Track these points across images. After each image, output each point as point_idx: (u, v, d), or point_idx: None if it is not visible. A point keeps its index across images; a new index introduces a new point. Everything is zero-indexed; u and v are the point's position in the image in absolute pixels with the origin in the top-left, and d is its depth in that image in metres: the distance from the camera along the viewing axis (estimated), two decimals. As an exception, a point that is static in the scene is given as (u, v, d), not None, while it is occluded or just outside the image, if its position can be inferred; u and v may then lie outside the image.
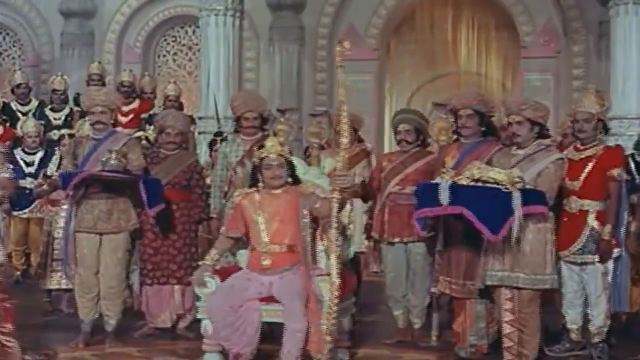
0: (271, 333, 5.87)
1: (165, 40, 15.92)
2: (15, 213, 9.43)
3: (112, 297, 6.60)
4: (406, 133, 6.78)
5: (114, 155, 6.23)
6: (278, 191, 5.73)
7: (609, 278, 6.20)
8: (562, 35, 13.86)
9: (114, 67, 14.92)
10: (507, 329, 5.66)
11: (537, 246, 5.56)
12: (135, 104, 10.94)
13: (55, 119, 10.80)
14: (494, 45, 15.29)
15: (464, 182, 5.40)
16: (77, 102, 11.04)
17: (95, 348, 6.47)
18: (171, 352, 6.37)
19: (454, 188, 5.38)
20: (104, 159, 6.27)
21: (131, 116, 10.62)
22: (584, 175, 6.11)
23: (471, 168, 5.45)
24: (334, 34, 14.51)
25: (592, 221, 6.09)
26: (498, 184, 5.31)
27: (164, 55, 15.93)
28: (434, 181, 5.62)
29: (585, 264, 6.16)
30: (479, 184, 5.38)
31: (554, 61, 13.92)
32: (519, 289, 5.61)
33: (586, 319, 6.34)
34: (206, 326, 5.61)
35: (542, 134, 5.79)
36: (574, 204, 6.14)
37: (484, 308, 6.08)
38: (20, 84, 11.17)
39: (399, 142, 6.86)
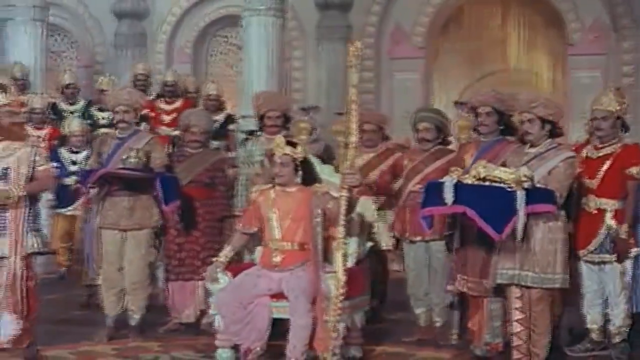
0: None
1: (215, 40, 16.07)
2: (60, 210, 9.70)
3: (135, 292, 6.74)
4: (426, 131, 6.79)
5: (133, 154, 6.38)
6: (293, 189, 5.81)
7: (628, 278, 6.14)
8: (611, 32, 13.64)
9: (165, 68, 15.07)
10: (516, 327, 5.63)
11: (547, 245, 5.50)
12: (179, 103, 11.12)
13: (102, 118, 10.98)
14: (543, 43, 15.09)
15: (469, 181, 5.40)
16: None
17: (118, 342, 6.61)
18: (190, 347, 6.44)
19: (459, 187, 5.38)
20: (124, 157, 6.43)
21: (174, 115, 10.76)
22: (601, 173, 6.07)
23: (477, 167, 5.44)
24: (381, 32, 14.53)
25: (609, 220, 6.05)
26: (503, 183, 5.29)
27: (215, 55, 16.09)
28: (440, 180, 5.62)
29: (603, 263, 6.12)
30: (486, 182, 5.37)
31: (603, 58, 13.73)
32: (528, 287, 5.58)
33: (607, 319, 6.29)
34: (218, 321, 5.72)
35: (555, 132, 5.74)
36: (592, 202, 6.10)
37: (499, 307, 6.02)
38: (68, 84, 11.44)
39: (419, 141, 6.87)
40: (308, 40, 14.79)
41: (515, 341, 5.65)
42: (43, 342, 6.36)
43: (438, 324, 6.85)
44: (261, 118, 7.25)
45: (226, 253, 5.89)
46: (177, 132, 10.12)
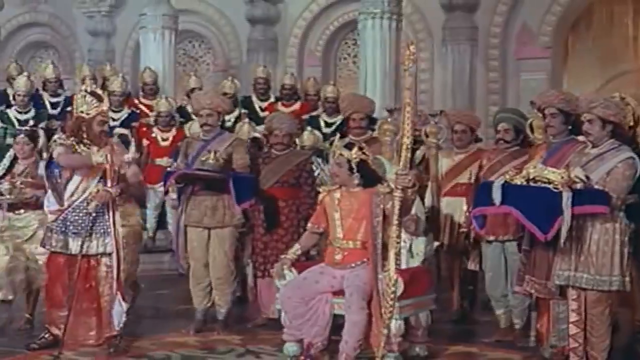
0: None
1: (345, 43, 16.26)
2: (181, 209, 10.13)
3: (221, 287, 7.06)
4: (505, 132, 6.86)
5: (212, 155, 6.68)
6: (356, 190, 5.96)
7: None
8: None
9: (296, 71, 15.38)
10: (572, 329, 5.57)
11: (603, 246, 5.43)
12: (297, 105, 11.47)
13: (227, 121, 11.39)
14: (677, 40, 14.57)
15: (519, 182, 5.41)
16: (245, 105, 11.68)
17: (203, 335, 6.93)
18: (268, 342, 6.63)
19: (507, 187, 5.40)
20: (203, 159, 6.75)
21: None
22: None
23: (528, 167, 5.46)
24: (507, 33, 14.37)
25: (682, 223, 5.89)
26: (551, 183, 5.27)
27: (345, 59, 16.28)
28: (490, 180, 5.65)
29: (676, 267, 5.97)
30: (537, 183, 5.36)
31: None
32: (584, 289, 5.52)
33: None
34: (284, 316, 5.93)
35: (618, 133, 5.64)
36: (666, 204, 5.96)
37: (566, 309, 5.97)
38: (193, 88, 11.94)
39: (497, 141, 6.91)
40: (434, 41, 14.78)
41: (572, 343, 5.60)
42: (136, 334, 6.77)
43: (517, 326, 6.84)
44: (347, 120, 7.42)
45: (294, 250, 6.13)
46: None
